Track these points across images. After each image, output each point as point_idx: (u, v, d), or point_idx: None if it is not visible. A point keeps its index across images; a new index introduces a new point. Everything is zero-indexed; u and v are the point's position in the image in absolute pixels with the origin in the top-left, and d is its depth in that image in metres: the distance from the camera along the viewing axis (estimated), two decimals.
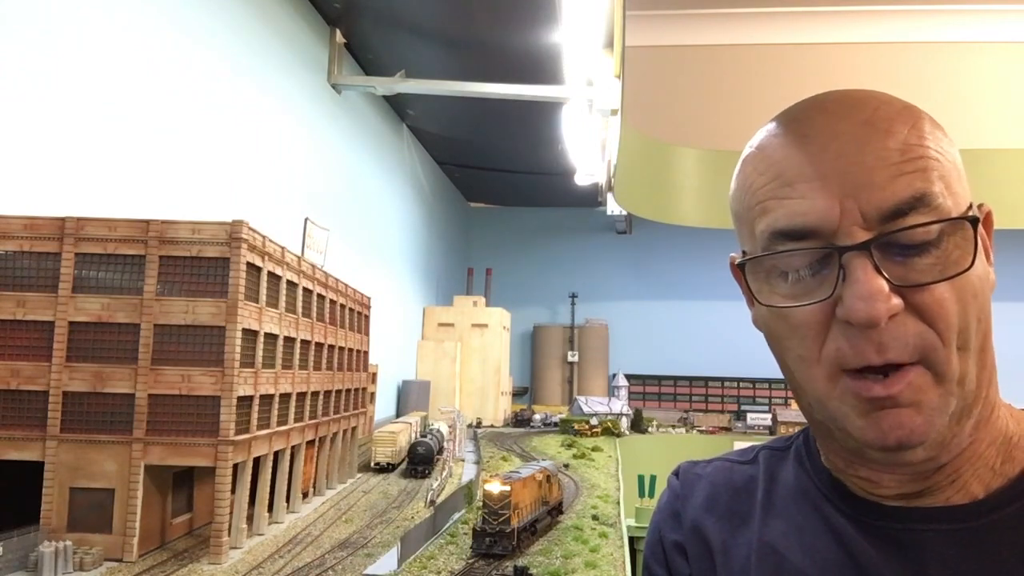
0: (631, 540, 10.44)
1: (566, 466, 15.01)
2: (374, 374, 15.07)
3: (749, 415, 27.38)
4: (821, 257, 0.87)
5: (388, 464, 11.32)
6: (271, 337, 7.48)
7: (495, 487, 6.88)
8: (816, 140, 0.88)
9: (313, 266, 8.84)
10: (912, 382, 0.84)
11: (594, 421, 21.76)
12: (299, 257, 8.43)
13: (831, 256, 0.86)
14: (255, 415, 6.98)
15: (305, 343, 8.51)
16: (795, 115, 0.92)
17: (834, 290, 0.85)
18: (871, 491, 0.95)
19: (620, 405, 24.65)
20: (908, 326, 0.84)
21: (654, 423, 26.68)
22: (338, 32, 13.08)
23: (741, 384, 30.98)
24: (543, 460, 12.98)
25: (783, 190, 0.89)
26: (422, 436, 12.16)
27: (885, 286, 0.82)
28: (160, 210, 7.24)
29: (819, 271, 0.87)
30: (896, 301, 0.83)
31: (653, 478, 12.19)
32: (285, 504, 7.78)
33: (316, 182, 12.92)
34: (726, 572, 1.05)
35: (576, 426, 21.47)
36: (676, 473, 1.20)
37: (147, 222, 6.61)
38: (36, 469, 6.38)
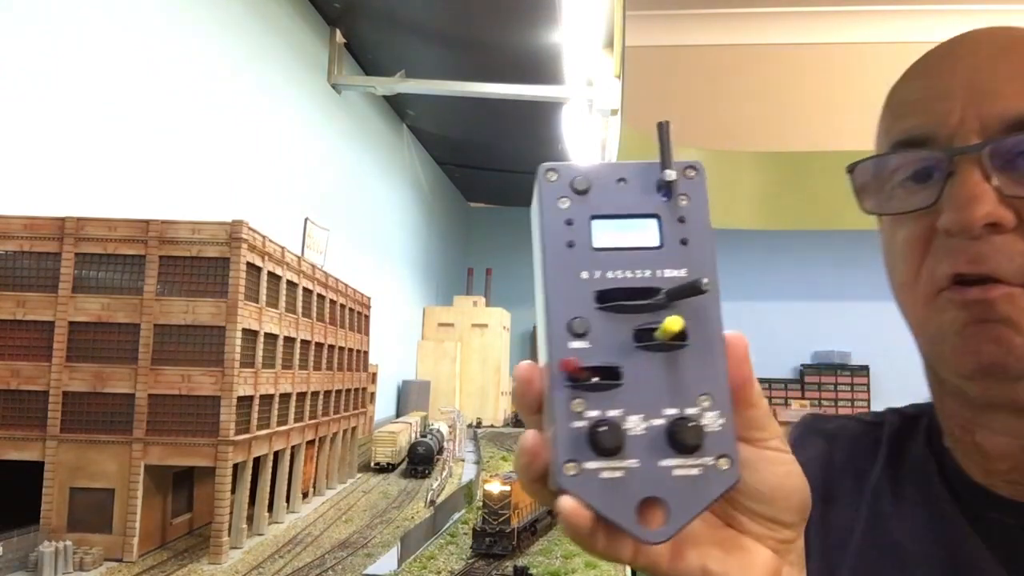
0: None
1: None
2: (374, 374, 15.08)
3: None
4: (931, 164, 0.78)
5: (388, 464, 11.32)
6: (271, 337, 7.48)
7: (495, 487, 6.88)
8: (955, 54, 0.83)
9: (313, 266, 8.84)
10: (1014, 297, 0.73)
11: None
12: (299, 257, 8.44)
13: (941, 163, 0.77)
14: (255, 415, 6.97)
15: (305, 343, 8.51)
16: (950, 39, 0.86)
17: (937, 198, 0.77)
18: (988, 467, 0.84)
19: None
20: (1017, 244, 0.73)
21: None
22: (338, 32, 13.07)
23: None
24: None
25: (912, 97, 0.84)
26: (422, 436, 12.16)
27: (990, 191, 0.73)
28: (160, 210, 7.24)
29: (927, 180, 0.79)
30: (1004, 212, 0.73)
31: None
32: (285, 504, 7.78)
33: (316, 182, 12.92)
34: (823, 532, 0.95)
35: None
36: (800, 424, 1.11)
37: (147, 222, 6.61)
38: (36, 469, 6.38)
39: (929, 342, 0.83)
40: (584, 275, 0.61)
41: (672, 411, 0.59)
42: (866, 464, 0.98)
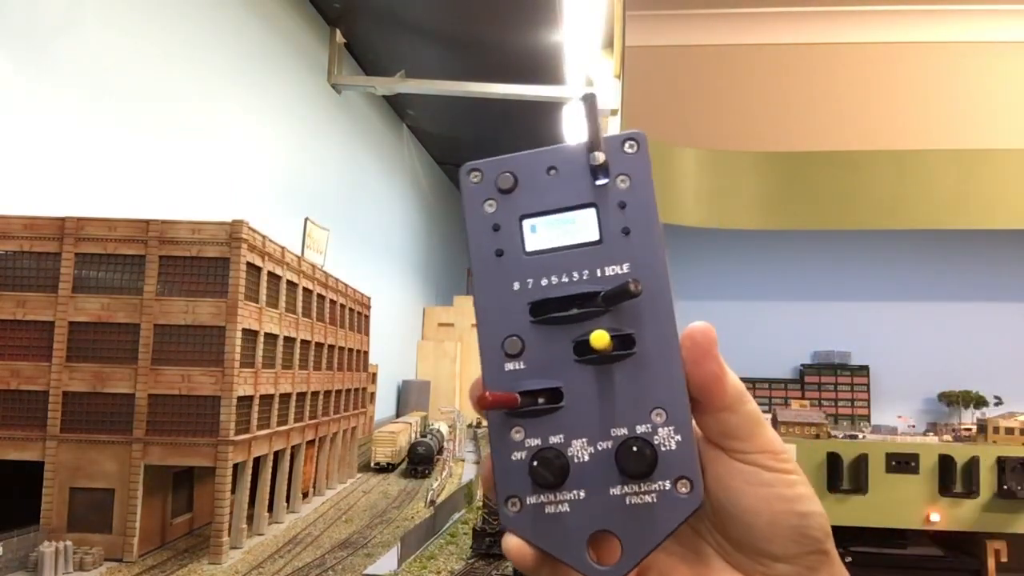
0: None
1: None
2: (374, 374, 15.07)
3: None
4: None
5: (388, 464, 11.31)
6: (271, 337, 7.48)
7: None
8: None
9: (313, 266, 8.84)
10: None
11: None
12: (299, 257, 8.43)
13: None
14: (255, 415, 6.97)
15: (305, 343, 8.51)
16: None
17: None
18: None
19: None
20: None
21: None
22: (338, 32, 13.08)
23: None
24: None
25: None
26: (422, 436, 12.16)
27: None
28: (160, 210, 7.24)
29: None
30: None
31: None
32: (285, 504, 7.77)
33: (316, 182, 12.92)
34: None
35: None
36: None
37: (147, 222, 6.61)
38: (36, 469, 6.38)
39: None
40: (516, 286, 0.54)
41: (620, 431, 0.52)
42: None
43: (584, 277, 0.54)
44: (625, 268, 0.54)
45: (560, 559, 0.51)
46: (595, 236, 0.54)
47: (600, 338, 0.51)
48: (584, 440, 0.52)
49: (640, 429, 0.52)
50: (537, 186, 0.55)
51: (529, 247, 0.55)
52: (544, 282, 0.54)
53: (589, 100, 0.53)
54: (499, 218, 0.55)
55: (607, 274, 0.53)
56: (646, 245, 0.54)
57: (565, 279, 0.54)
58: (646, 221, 0.54)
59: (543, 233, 0.55)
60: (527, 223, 0.55)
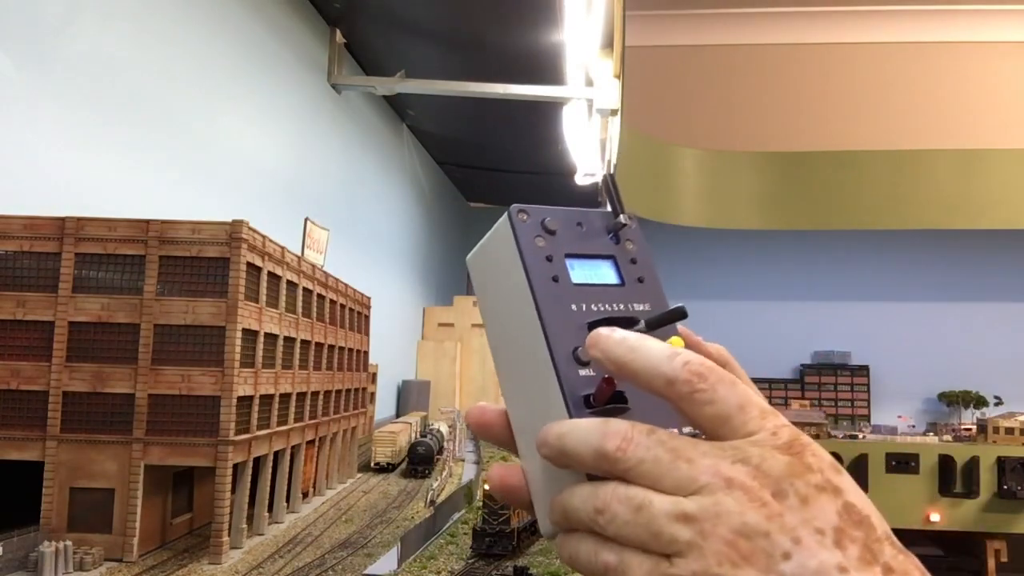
0: None
1: None
2: (374, 374, 15.08)
3: None
4: None
5: (388, 464, 11.32)
6: (271, 337, 7.48)
7: None
8: None
9: (313, 266, 8.84)
10: None
11: None
12: (299, 257, 8.43)
13: None
14: (255, 415, 6.97)
15: (305, 343, 8.51)
16: None
17: None
18: None
19: None
20: None
21: None
22: (338, 32, 13.07)
23: None
24: None
25: None
26: (422, 436, 12.16)
27: None
28: (160, 210, 7.24)
29: None
30: None
31: None
32: (285, 504, 7.78)
33: (316, 182, 12.92)
34: None
35: None
36: None
37: (147, 222, 6.61)
38: (36, 469, 6.38)
39: None
40: (574, 307, 0.65)
41: (686, 429, 0.60)
42: None
43: (619, 308, 0.66)
44: (646, 306, 0.67)
45: None
46: (617, 280, 0.68)
47: (677, 342, 0.62)
48: None
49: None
50: (571, 234, 0.68)
51: (575, 279, 0.67)
52: (594, 307, 0.65)
53: (610, 180, 0.68)
54: (549, 251, 0.67)
55: (635, 308, 0.67)
56: (657, 292, 0.68)
57: (605, 307, 0.66)
58: (653, 275, 0.69)
59: (579, 271, 0.68)
60: (569, 261, 0.68)
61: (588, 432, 0.58)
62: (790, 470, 0.54)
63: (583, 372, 0.62)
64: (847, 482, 0.55)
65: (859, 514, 0.53)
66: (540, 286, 0.65)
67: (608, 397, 0.61)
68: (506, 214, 0.69)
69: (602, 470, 0.57)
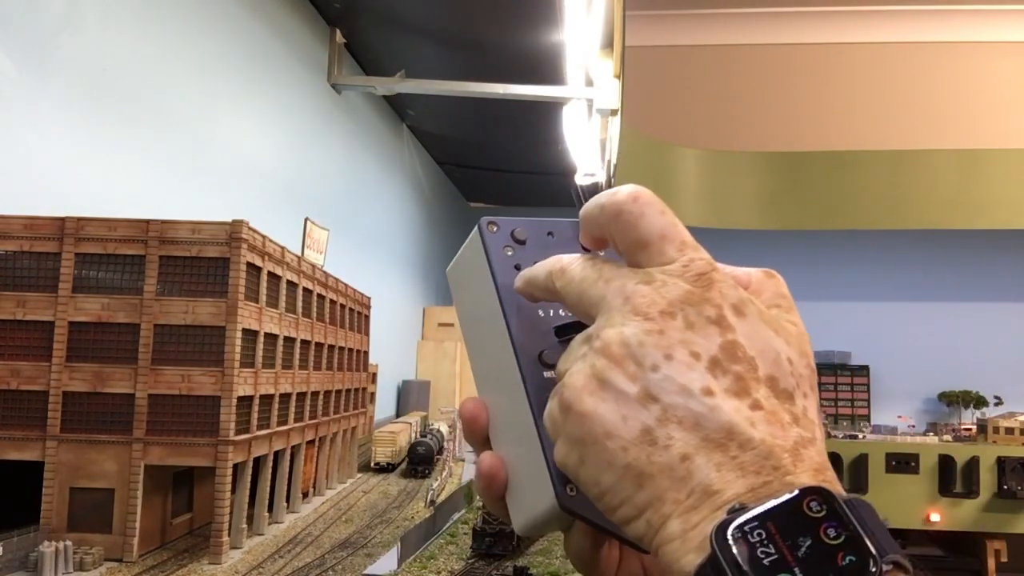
0: None
1: None
2: (374, 374, 15.08)
3: None
4: None
5: (388, 464, 11.32)
6: (271, 337, 7.47)
7: None
8: None
9: (313, 266, 8.84)
10: None
11: None
12: (299, 257, 8.43)
13: None
14: (255, 415, 6.97)
15: (305, 343, 8.50)
16: None
17: None
18: None
19: None
20: None
21: None
22: (338, 32, 13.06)
23: None
24: None
25: None
26: (422, 436, 12.16)
27: None
28: (160, 210, 7.24)
29: None
30: None
31: None
32: (285, 504, 7.78)
33: (316, 182, 12.92)
34: None
35: None
36: None
37: (147, 222, 6.60)
38: (36, 469, 6.38)
39: None
40: (540, 313, 0.68)
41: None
42: None
43: None
44: None
45: (616, 533, 0.60)
46: None
47: None
48: None
49: None
50: (541, 243, 0.70)
51: None
52: (562, 312, 0.67)
53: (579, 192, 0.68)
54: (518, 260, 0.69)
55: None
56: None
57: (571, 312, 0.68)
58: None
59: None
60: None
61: (544, 263, 0.65)
62: (686, 297, 0.56)
63: (547, 374, 0.64)
64: (748, 327, 0.56)
65: (743, 353, 0.55)
66: (507, 294, 0.67)
67: None
68: (476, 226, 0.72)
69: (551, 290, 0.63)
